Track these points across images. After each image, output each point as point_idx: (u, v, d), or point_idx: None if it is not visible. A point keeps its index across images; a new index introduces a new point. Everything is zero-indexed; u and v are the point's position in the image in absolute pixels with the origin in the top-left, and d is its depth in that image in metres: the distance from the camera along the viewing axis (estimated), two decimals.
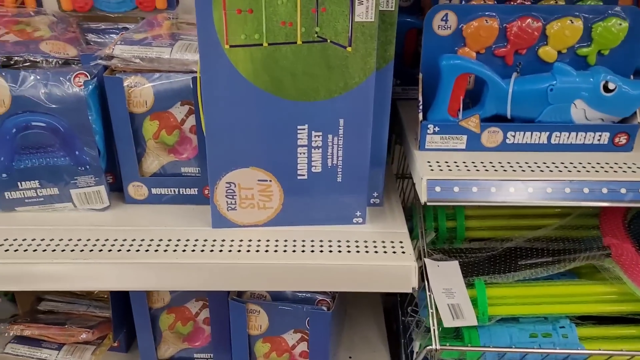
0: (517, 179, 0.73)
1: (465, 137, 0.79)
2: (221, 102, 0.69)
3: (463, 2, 0.87)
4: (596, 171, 0.74)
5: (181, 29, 0.84)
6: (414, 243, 0.86)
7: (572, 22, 0.76)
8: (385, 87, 0.74)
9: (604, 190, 0.72)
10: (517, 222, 0.97)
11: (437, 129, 0.78)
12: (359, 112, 0.71)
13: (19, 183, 0.78)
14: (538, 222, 0.95)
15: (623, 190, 0.72)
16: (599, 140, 0.78)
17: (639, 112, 0.77)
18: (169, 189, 0.82)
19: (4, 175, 0.77)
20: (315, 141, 0.73)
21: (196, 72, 0.74)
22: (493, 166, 0.76)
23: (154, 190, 0.82)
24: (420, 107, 0.78)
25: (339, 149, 0.73)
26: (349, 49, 0.67)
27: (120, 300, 0.98)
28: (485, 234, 0.98)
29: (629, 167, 0.75)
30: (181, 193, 0.83)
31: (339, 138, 0.73)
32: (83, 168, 0.78)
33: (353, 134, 0.72)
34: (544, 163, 0.76)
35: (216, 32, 0.65)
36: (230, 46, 0.66)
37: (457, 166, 0.75)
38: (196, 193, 0.83)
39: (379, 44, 0.71)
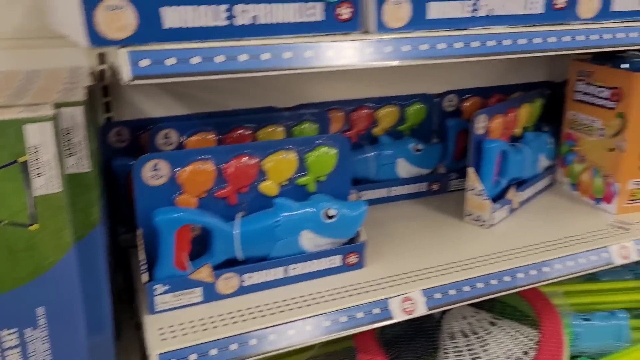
0: (262, 328, 0.68)
1: (200, 289, 0.72)
2: None
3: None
4: (341, 297, 0.74)
5: None
6: None
7: (286, 156, 0.76)
8: (96, 255, 0.64)
9: (359, 315, 0.72)
10: None
11: (166, 287, 0.70)
12: (63, 293, 0.60)
13: None
14: None
15: (360, 315, 0.73)
16: (332, 263, 0.79)
17: (361, 231, 0.80)
18: None
19: None
20: (10, 340, 0.58)
21: None
22: (232, 317, 0.70)
23: None
24: (144, 266, 0.69)
25: (43, 342, 0.60)
26: (34, 227, 0.56)
27: None
28: None
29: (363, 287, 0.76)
30: None
31: (42, 329, 0.60)
32: None
33: (60, 320, 0.60)
34: (284, 300, 0.73)
35: None
36: None
37: (193, 326, 0.68)
38: None
39: (79, 210, 0.61)
